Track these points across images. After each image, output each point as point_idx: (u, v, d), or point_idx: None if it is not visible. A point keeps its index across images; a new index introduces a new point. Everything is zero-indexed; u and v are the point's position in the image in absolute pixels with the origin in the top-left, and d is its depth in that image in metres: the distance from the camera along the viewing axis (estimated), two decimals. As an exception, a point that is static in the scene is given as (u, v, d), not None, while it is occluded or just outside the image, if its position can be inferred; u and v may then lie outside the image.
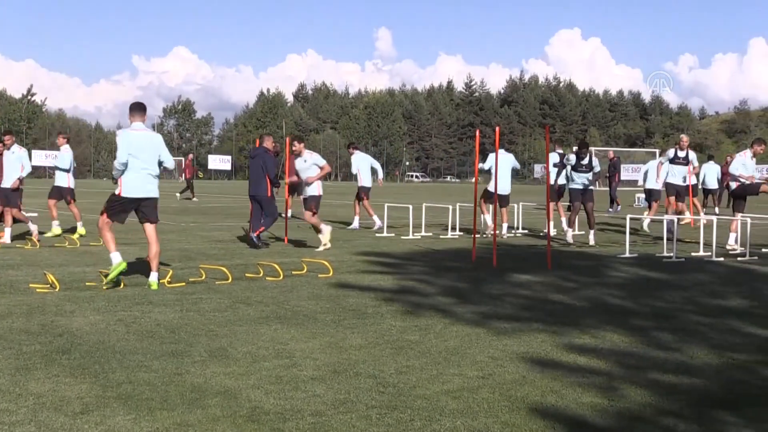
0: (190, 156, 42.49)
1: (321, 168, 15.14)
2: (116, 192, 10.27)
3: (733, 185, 16.59)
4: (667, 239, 14.64)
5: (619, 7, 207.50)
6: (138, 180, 10.20)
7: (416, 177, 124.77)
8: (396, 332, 7.45)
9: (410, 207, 18.71)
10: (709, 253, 14.26)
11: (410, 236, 17.62)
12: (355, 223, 19.99)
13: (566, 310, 8.84)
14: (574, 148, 18.11)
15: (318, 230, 14.74)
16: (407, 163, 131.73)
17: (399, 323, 7.87)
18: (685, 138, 18.95)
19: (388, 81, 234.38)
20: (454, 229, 18.82)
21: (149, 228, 10.43)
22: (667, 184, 19.07)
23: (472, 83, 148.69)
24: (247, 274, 11.17)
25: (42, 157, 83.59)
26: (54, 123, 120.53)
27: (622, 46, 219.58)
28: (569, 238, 16.85)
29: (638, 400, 5.33)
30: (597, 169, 17.46)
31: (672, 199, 18.73)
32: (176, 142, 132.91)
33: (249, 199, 16.06)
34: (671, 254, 13.92)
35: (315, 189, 15.11)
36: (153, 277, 10.14)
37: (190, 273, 11.26)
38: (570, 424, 4.88)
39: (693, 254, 14.56)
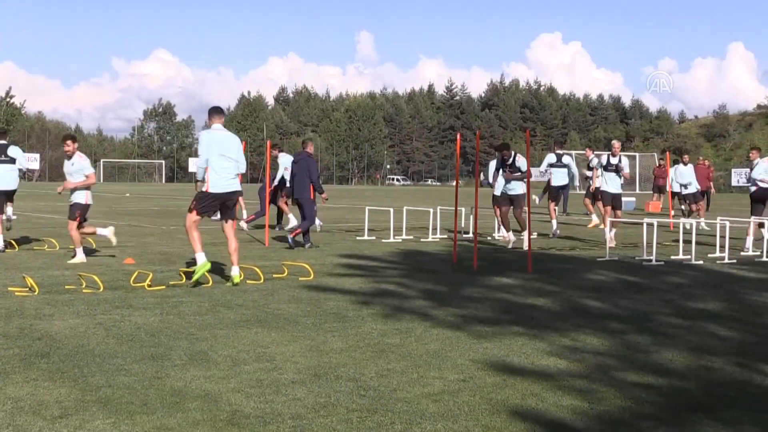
0: None
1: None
2: (203, 189, 10.93)
3: (753, 189, 16.84)
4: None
5: (600, 11, 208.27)
6: (223, 176, 10.88)
7: (397, 180, 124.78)
8: (376, 335, 7.45)
9: (391, 210, 18.73)
10: (689, 257, 14.34)
11: (391, 239, 17.63)
12: (292, 221, 20.00)
13: (546, 313, 8.87)
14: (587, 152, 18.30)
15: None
16: (388, 167, 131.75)
17: (379, 326, 7.88)
18: (616, 144, 18.51)
19: (370, 84, 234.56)
20: (435, 232, 18.85)
21: (228, 225, 11.09)
22: (601, 192, 18.13)
23: (453, 87, 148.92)
24: (227, 277, 11.14)
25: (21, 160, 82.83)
26: (33, 125, 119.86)
27: (602, 50, 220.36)
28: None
29: (617, 403, 5.36)
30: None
31: (608, 208, 17.75)
32: (157, 145, 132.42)
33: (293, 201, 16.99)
34: (651, 258, 13.99)
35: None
36: (235, 270, 10.71)
37: (170, 276, 11.22)
38: (550, 426, 4.90)
39: (672, 257, 14.65)
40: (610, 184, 17.76)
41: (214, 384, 5.65)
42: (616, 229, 17.04)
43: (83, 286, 10.09)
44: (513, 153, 16.65)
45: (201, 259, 10.56)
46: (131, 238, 17.21)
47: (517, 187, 16.55)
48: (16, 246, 14.87)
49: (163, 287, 10.22)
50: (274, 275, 11.45)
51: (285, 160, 20.09)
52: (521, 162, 16.44)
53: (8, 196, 14.92)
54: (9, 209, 15.24)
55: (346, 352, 6.73)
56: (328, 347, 6.92)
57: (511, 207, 16.66)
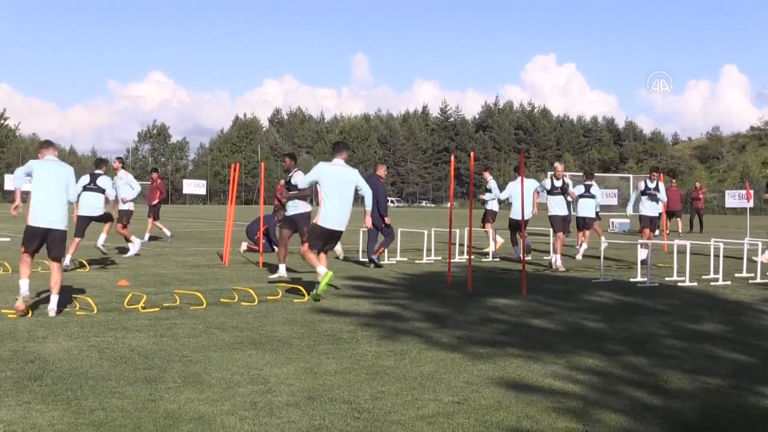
0: (282, 182, 40.97)
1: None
2: (315, 221, 11.59)
3: None
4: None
5: (595, 33, 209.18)
6: (336, 211, 11.47)
7: (392, 202, 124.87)
8: (371, 357, 7.43)
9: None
10: (683, 278, 14.35)
11: (386, 261, 17.61)
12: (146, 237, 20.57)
13: (541, 334, 8.86)
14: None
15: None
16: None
17: (374, 348, 7.86)
18: (559, 167, 18.28)
19: (365, 106, 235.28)
20: (429, 253, 18.84)
21: (324, 256, 11.68)
22: (551, 217, 17.67)
23: (447, 108, 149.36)
24: (221, 300, 11.12)
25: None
26: (27, 147, 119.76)
27: (597, 72, 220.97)
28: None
29: (613, 425, 5.34)
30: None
31: (560, 234, 17.36)
32: (151, 167, 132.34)
33: None
34: (645, 279, 14.00)
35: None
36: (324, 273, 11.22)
37: (164, 298, 11.19)
38: (545, 449, 4.87)
39: (667, 279, 14.65)
40: (557, 207, 17.54)
41: (208, 406, 5.62)
42: (560, 255, 17.10)
43: (77, 308, 10.05)
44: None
45: (323, 270, 11.19)
46: (125, 260, 17.18)
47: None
48: (86, 265, 15.22)
49: (157, 309, 10.19)
50: (269, 297, 11.42)
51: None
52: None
53: (87, 222, 15.97)
54: (101, 238, 17.07)
55: (340, 375, 6.71)
56: (323, 369, 6.89)
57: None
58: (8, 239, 21.92)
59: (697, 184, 38.31)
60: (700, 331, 9.22)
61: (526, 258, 14.14)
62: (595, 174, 19.23)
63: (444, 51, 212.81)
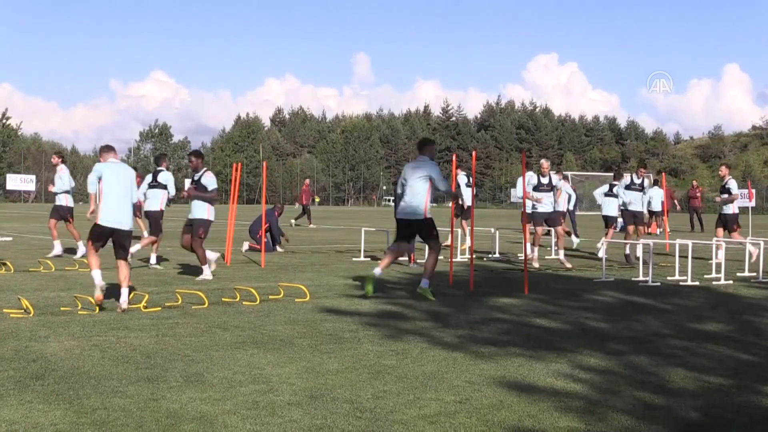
0: (307, 182, 40.46)
1: None
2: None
3: None
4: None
5: (597, 32, 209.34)
6: (404, 204, 12.24)
7: (393, 202, 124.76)
8: (373, 357, 7.43)
9: (387, 231, 18.71)
10: (685, 278, 14.34)
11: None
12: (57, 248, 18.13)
13: (543, 334, 8.85)
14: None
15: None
16: (384, 188, 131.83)
17: (376, 348, 7.85)
18: (545, 163, 18.28)
19: (367, 106, 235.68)
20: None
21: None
22: (532, 214, 17.62)
23: (449, 108, 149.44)
24: (223, 299, 11.13)
25: (17, 182, 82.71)
26: (29, 147, 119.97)
27: (599, 71, 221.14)
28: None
29: (615, 425, 5.34)
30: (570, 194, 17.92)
31: (538, 229, 17.61)
32: (152, 167, 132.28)
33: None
34: (647, 278, 13.99)
35: None
36: (425, 283, 11.77)
37: (166, 298, 11.19)
38: (547, 448, 4.87)
39: (669, 278, 14.64)
40: (542, 203, 17.54)
41: (209, 406, 5.62)
42: (537, 250, 17.38)
43: (79, 307, 10.06)
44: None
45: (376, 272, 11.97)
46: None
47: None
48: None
49: (159, 309, 10.19)
50: (270, 296, 11.42)
51: (461, 179, 20.70)
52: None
53: (150, 216, 16.25)
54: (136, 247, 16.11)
55: (342, 374, 6.71)
56: (325, 369, 6.89)
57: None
58: (10, 239, 21.91)
59: (695, 183, 38.36)
60: (702, 331, 9.21)
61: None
62: (597, 174, 19.15)
63: (446, 50, 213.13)
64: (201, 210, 14.03)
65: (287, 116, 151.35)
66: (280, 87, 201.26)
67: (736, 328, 9.43)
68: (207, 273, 13.66)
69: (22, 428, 5.06)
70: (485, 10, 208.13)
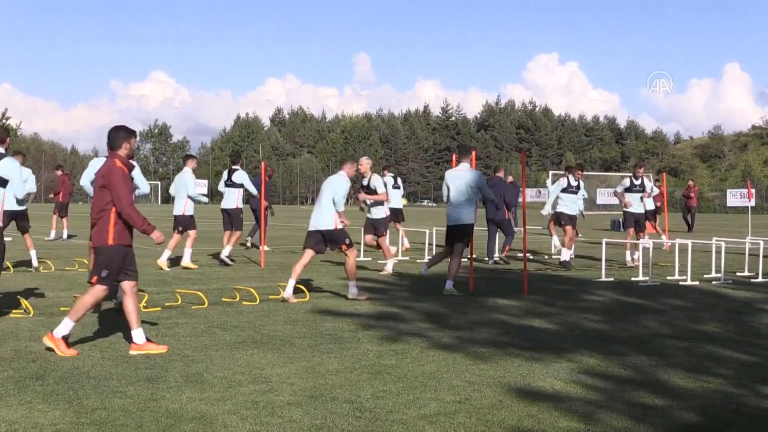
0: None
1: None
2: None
3: None
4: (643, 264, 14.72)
5: (597, 31, 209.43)
6: (451, 209, 12.53)
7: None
8: (373, 357, 7.43)
9: (387, 232, 18.67)
10: (684, 277, 14.34)
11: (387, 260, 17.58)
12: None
13: (543, 334, 8.86)
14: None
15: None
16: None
17: (376, 348, 7.86)
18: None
19: (367, 105, 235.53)
20: (431, 252, 18.81)
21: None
22: (561, 214, 17.79)
23: (449, 108, 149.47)
24: (223, 299, 11.13)
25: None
26: (29, 147, 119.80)
27: (599, 70, 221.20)
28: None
29: (614, 425, 5.34)
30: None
31: (568, 229, 17.50)
32: (152, 167, 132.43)
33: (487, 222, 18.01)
34: (647, 278, 13.99)
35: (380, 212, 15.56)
36: (449, 285, 12.18)
37: (165, 298, 11.20)
38: (547, 448, 4.87)
39: (668, 278, 14.64)
40: (570, 206, 17.68)
41: (209, 406, 5.62)
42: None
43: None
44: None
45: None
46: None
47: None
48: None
49: (159, 309, 10.19)
50: (270, 296, 11.43)
51: (388, 180, 20.60)
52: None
53: (229, 214, 16.63)
54: (226, 249, 16.42)
55: (342, 374, 6.71)
56: (324, 369, 6.90)
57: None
58: (9, 239, 21.88)
59: (690, 183, 38.31)
60: (701, 331, 9.22)
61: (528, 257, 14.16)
62: (596, 173, 18.99)
63: (446, 50, 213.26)
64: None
65: (287, 116, 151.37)
66: (280, 87, 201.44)
67: (736, 328, 9.44)
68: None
69: (22, 428, 5.07)
70: (486, 10, 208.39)
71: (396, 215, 20.29)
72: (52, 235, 23.51)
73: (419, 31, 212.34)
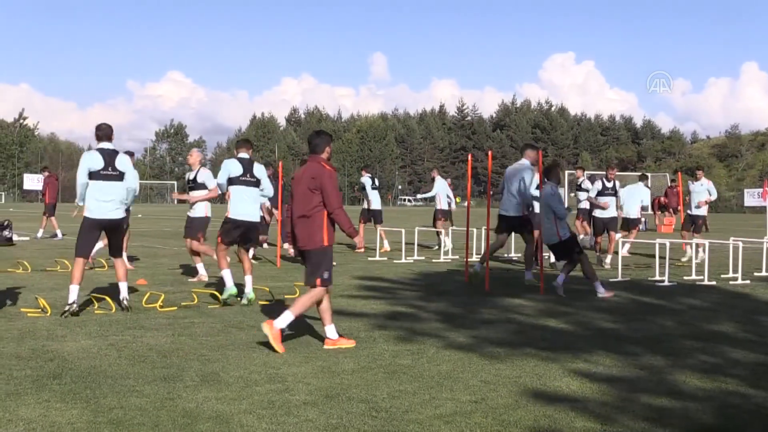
0: None
1: None
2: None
3: None
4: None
5: (614, 30, 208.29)
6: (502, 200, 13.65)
7: (408, 201, 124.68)
8: (388, 356, 7.43)
9: (403, 231, 18.71)
10: (701, 278, 14.28)
11: (403, 260, 17.61)
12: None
13: (558, 334, 8.84)
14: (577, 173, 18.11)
15: None
16: (399, 187, 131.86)
17: (391, 347, 7.86)
18: (612, 169, 18.62)
19: (383, 105, 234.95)
20: (446, 252, 18.81)
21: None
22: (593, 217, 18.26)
23: (465, 107, 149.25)
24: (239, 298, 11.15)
25: (34, 181, 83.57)
26: (46, 147, 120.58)
27: (616, 69, 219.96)
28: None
29: (631, 425, 5.33)
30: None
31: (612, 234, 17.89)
32: (168, 166, 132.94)
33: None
34: (663, 278, 13.93)
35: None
36: (528, 275, 13.47)
37: (182, 297, 11.23)
38: (563, 449, 4.86)
39: (685, 278, 14.58)
40: (610, 209, 17.73)
41: (225, 405, 5.64)
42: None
43: (95, 307, 10.11)
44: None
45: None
46: (144, 259, 17.26)
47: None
48: (105, 264, 14.90)
49: (175, 308, 10.23)
50: (286, 296, 11.44)
51: (439, 183, 20.79)
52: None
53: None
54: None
55: (357, 374, 6.72)
56: (340, 368, 6.90)
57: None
58: (27, 238, 22.05)
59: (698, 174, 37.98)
60: (718, 331, 9.17)
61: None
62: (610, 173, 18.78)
63: (462, 49, 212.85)
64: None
65: (303, 116, 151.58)
66: (296, 87, 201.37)
67: (753, 329, 9.39)
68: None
69: (40, 427, 5.09)
70: (502, 10, 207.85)
71: (375, 216, 20.38)
72: (40, 233, 23.60)
73: (435, 30, 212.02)
